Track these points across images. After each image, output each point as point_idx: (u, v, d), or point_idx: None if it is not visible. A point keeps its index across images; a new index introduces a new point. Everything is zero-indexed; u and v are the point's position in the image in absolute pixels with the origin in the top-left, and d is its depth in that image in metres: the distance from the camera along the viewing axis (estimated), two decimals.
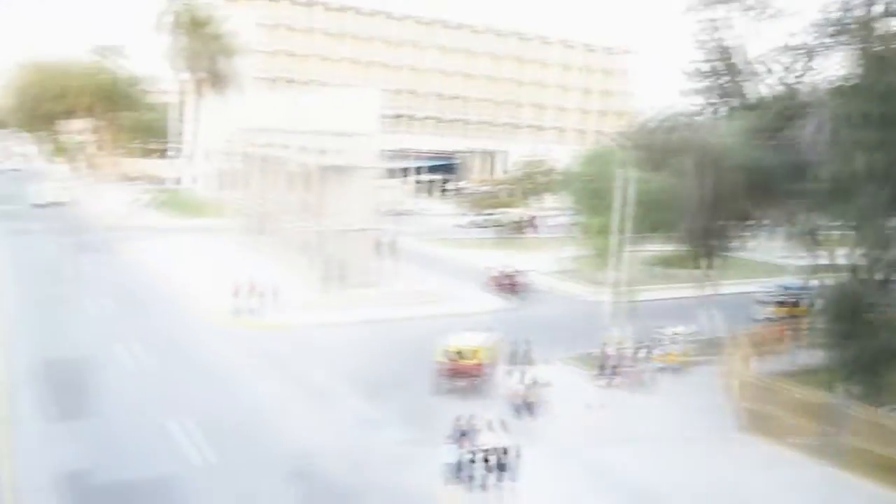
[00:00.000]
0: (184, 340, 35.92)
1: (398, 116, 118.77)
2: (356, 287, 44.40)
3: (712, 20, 37.61)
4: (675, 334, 35.22)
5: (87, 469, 22.09)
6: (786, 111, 33.71)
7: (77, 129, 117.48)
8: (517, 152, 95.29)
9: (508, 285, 48.83)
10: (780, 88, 36.25)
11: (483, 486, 21.69)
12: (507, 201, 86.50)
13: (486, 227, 76.91)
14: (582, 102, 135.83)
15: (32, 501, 20.09)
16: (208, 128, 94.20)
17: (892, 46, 27.36)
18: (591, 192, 43.77)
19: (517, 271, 49.63)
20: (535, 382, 28.33)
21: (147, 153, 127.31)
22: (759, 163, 32.86)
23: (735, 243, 41.43)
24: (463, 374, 29.76)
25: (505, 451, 21.63)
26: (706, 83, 38.72)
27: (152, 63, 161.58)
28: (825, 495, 23.43)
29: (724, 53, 37.72)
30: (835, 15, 29.54)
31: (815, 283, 34.13)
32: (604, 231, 38.65)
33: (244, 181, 57.76)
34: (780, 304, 42.93)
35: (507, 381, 29.16)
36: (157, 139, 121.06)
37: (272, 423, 26.55)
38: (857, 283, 27.99)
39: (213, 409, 27.23)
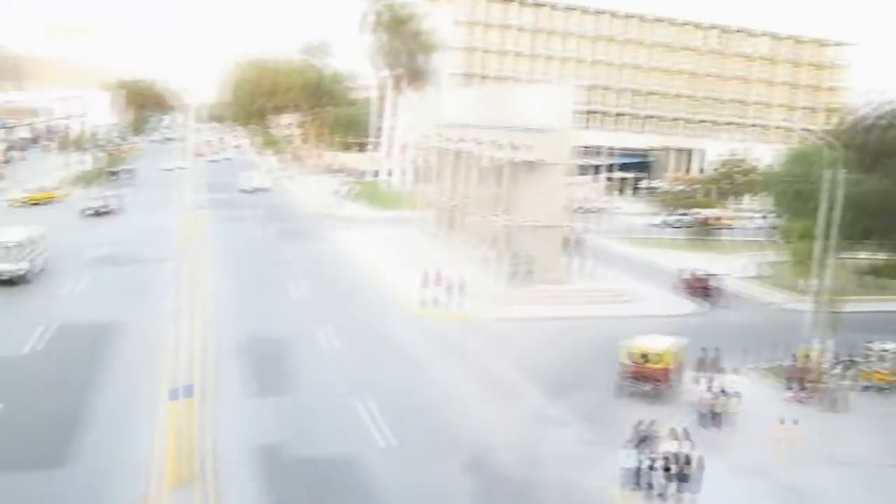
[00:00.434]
0: (376, 326, 37.38)
1: (592, 112, 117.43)
2: (543, 283, 44.32)
3: None
4: (884, 351, 32.32)
5: (281, 443, 23.48)
6: None
7: (285, 123, 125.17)
8: (715, 150, 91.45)
9: (701, 289, 46.92)
10: None
11: (662, 496, 21.06)
12: (702, 201, 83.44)
13: (679, 227, 74.37)
14: (788, 98, 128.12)
15: (231, 471, 21.55)
16: (405, 123, 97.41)
17: None
18: (794, 193, 41.44)
19: (711, 274, 47.55)
20: (722, 392, 27.14)
21: (348, 147, 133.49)
22: None
23: None
24: (647, 379, 28.95)
25: (688, 461, 20.85)
26: None
27: (354, 61, 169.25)
28: None
29: None
30: None
31: None
32: (807, 235, 36.42)
33: (437, 175, 59.18)
34: None
35: (693, 388, 28.09)
36: (357, 133, 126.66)
37: (452, 412, 27.08)
38: None
39: (398, 394, 28.15)
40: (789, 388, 30.26)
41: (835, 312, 33.98)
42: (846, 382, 30.36)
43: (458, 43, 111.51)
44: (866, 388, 31.10)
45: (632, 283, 49.39)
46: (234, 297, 41.00)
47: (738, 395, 27.21)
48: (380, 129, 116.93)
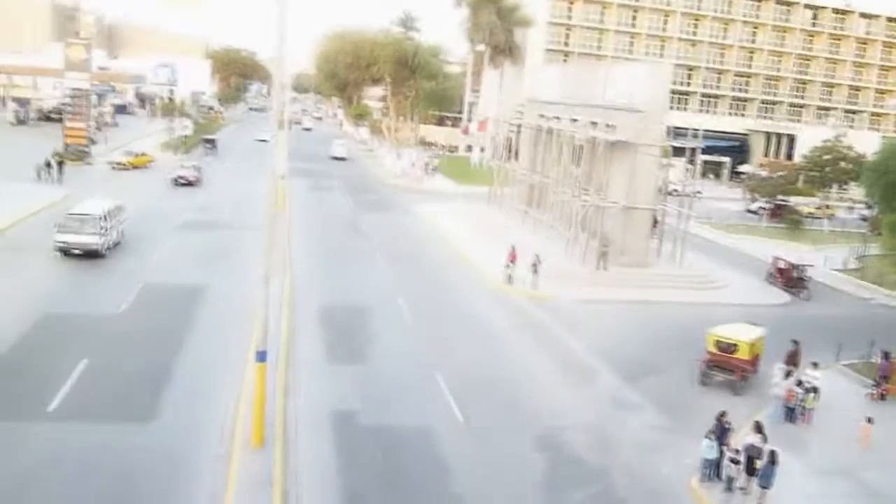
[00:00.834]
0: (455, 300, 37.61)
1: (689, 93, 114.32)
2: (629, 266, 43.73)
3: None
4: None
5: (356, 410, 23.91)
6: None
7: (379, 95, 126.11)
8: (816, 136, 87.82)
9: (791, 279, 45.36)
10: None
11: (745, 490, 20.56)
12: (798, 189, 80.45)
13: (772, 214, 71.95)
14: None
15: (307, 435, 22.08)
16: (497, 98, 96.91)
17: None
18: (886, 185, 39.53)
19: (803, 264, 45.94)
20: (806, 386, 26.28)
21: (439, 120, 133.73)
22: None
23: None
24: (729, 368, 28.31)
25: (772, 458, 20.15)
26: None
27: (449, 35, 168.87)
28: None
29: None
30: None
31: None
32: None
33: (526, 152, 58.78)
34: None
35: (776, 381, 27.31)
36: (449, 108, 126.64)
37: (528, 390, 27.03)
38: None
39: (474, 368, 28.26)
40: (876, 386, 29.12)
41: None
42: None
43: (555, 19, 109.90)
44: None
45: (720, 269, 48.25)
46: (318, 266, 41.78)
47: (819, 390, 26.32)
48: (471, 104, 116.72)
